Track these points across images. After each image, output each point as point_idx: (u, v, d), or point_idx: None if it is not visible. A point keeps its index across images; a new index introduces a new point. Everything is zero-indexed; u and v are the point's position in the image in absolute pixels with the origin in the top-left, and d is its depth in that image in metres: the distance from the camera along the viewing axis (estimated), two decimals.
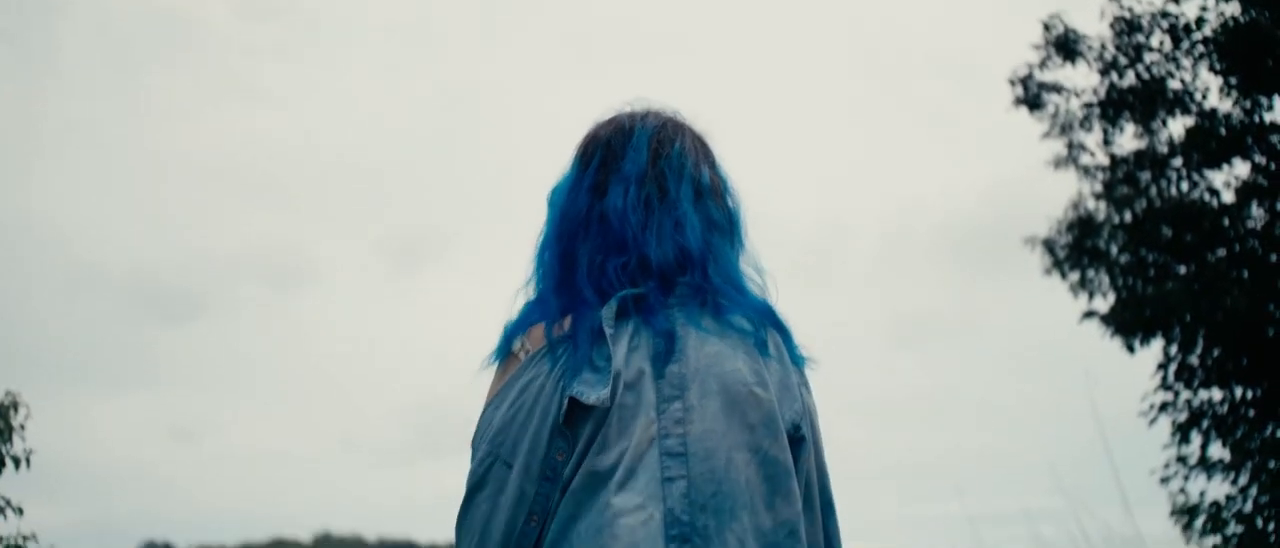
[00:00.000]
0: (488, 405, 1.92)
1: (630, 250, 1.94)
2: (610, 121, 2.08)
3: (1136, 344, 6.27)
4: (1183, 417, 6.26)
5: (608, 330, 1.86)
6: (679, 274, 1.94)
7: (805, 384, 1.97)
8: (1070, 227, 6.51)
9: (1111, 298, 6.33)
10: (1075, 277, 6.39)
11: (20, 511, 6.24)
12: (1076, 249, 6.39)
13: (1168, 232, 6.19)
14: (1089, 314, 6.39)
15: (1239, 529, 6.20)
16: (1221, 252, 6.07)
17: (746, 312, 1.95)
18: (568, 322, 1.90)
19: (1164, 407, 6.32)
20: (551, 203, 2.04)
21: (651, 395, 1.84)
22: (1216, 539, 6.26)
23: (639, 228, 1.95)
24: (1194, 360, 6.20)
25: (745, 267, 2.04)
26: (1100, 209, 6.55)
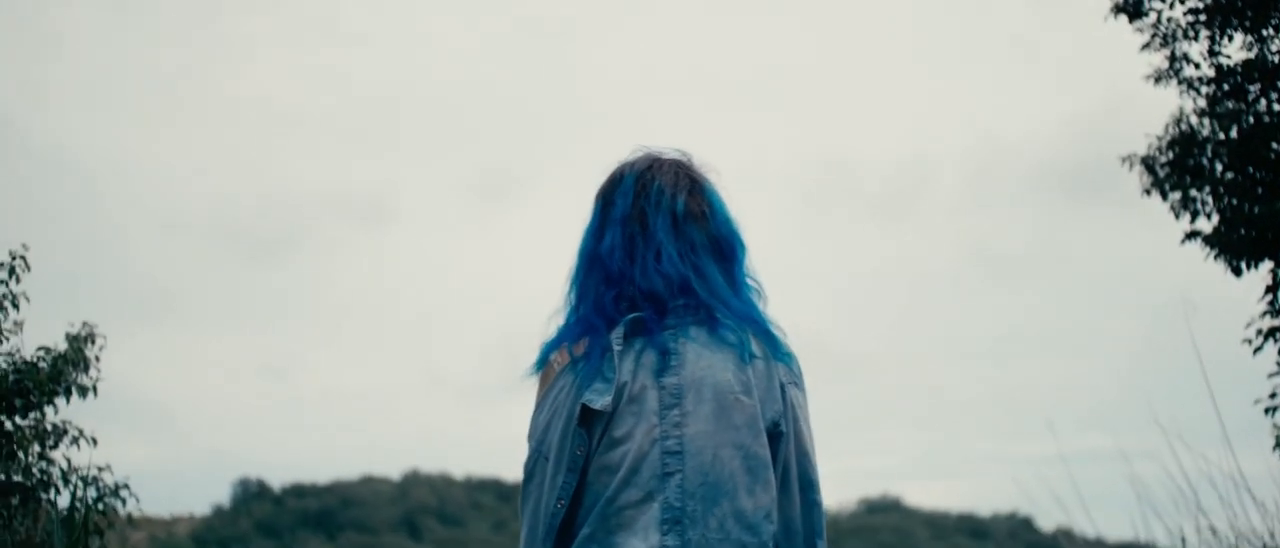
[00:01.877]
0: (535, 409, 2.36)
1: (620, 284, 2.35)
2: (611, 174, 2.49)
3: (1243, 267, 5.98)
4: None
5: (616, 348, 2.28)
6: (669, 298, 2.33)
7: (793, 379, 2.36)
8: (1171, 144, 6.20)
9: (1215, 219, 6.03)
10: (1177, 196, 6.09)
11: (94, 441, 6.20)
12: (1178, 167, 6.08)
13: (1277, 148, 5.88)
14: (1192, 235, 6.10)
15: None
16: None
17: (733, 322, 2.33)
18: (584, 343, 2.32)
19: (1271, 334, 6.03)
20: (578, 247, 2.47)
21: (654, 404, 2.25)
22: None
23: (625, 264, 2.36)
24: None
25: (737, 277, 2.42)
26: (1204, 125, 6.23)
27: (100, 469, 6.20)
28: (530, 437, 2.34)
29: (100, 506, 6.16)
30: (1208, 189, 5.97)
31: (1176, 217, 6.11)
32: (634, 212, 2.40)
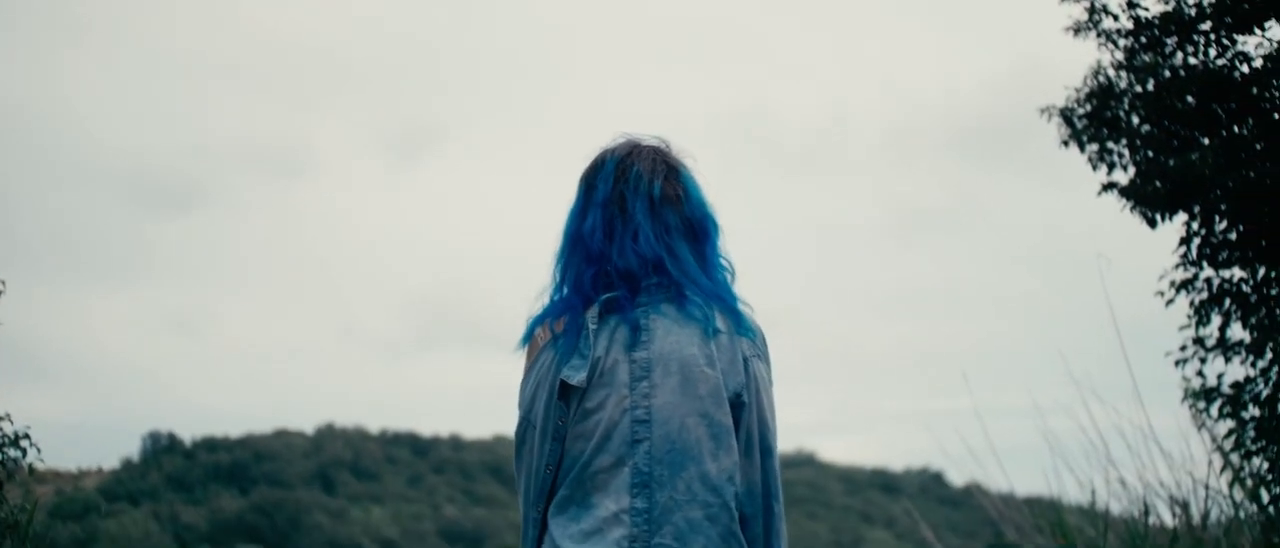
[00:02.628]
0: (522, 380, 2.57)
1: (599, 263, 2.54)
2: (593, 159, 2.66)
3: (1158, 219, 6.01)
4: (1203, 296, 6.02)
5: (591, 327, 2.48)
6: (643, 277, 2.51)
7: (756, 352, 2.54)
8: (1089, 96, 6.20)
9: (1131, 171, 6.05)
10: (1094, 148, 6.11)
11: None
12: (1095, 119, 6.09)
13: (1193, 101, 5.91)
14: (1108, 186, 6.13)
15: (1257, 413, 6.00)
16: (1250, 122, 5.79)
17: (701, 300, 2.51)
18: (563, 321, 2.51)
19: (1183, 286, 6.07)
20: (563, 227, 2.63)
21: (625, 377, 2.45)
22: (1231, 424, 6.06)
23: (604, 245, 2.54)
24: (1216, 237, 5.96)
25: (709, 257, 2.59)
26: (1121, 78, 6.24)
27: (0, 418, 6.01)
28: (519, 405, 2.57)
29: (0, 455, 5.97)
30: (1124, 142, 5.99)
31: (1094, 169, 6.13)
32: (614, 195, 2.57)
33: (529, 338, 2.57)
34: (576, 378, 2.44)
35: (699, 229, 2.59)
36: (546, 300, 2.60)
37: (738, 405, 2.47)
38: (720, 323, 2.51)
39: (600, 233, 2.55)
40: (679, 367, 2.45)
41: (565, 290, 2.57)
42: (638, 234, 2.53)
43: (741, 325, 2.53)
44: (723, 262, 2.61)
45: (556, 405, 2.47)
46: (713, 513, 2.42)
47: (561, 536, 2.46)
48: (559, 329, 2.50)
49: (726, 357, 2.48)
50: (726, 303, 2.55)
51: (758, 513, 2.51)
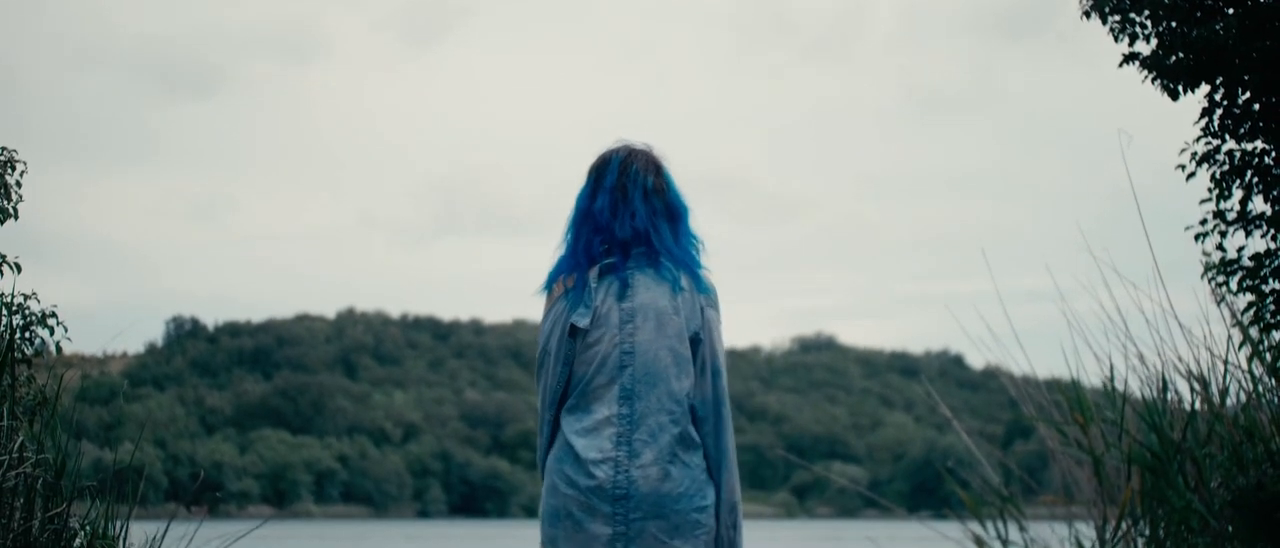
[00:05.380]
0: (542, 319, 3.60)
1: (604, 232, 3.56)
2: (601, 156, 3.66)
3: (1180, 90, 5.96)
4: (1224, 169, 5.99)
5: (592, 283, 3.52)
6: (634, 246, 3.54)
7: (710, 304, 3.57)
8: None
9: (1154, 42, 5.99)
10: (1116, 19, 6.04)
11: (18, 267, 6.04)
12: None
13: None
14: (1130, 57, 6.06)
15: (1277, 286, 5.99)
16: None
17: (672, 265, 3.54)
18: (573, 278, 3.54)
19: (1205, 158, 6.04)
20: (574, 203, 3.63)
21: (616, 320, 3.49)
22: (1250, 298, 6.05)
23: (610, 218, 3.55)
24: (1239, 108, 5.91)
25: (682, 236, 3.61)
26: None
27: (26, 296, 6.04)
28: (540, 338, 3.62)
29: (27, 333, 6.01)
30: (1147, 12, 5.92)
31: (1115, 40, 6.06)
32: (618, 184, 3.58)
33: (550, 286, 3.60)
34: (583, 322, 3.49)
35: (675, 213, 3.62)
36: (561, 254, 3.62)
37: (696, 342, 3.52)
38: (685, 283, 3.54)
39: (608, 211, 3.56)
40: (654, 314, 3.48)
41: (575, 253, 3.57)
42: (635, 215, 3.54)
43: (700, 285, 3.57)
44: (694, 236, 3.63)
45: (567, 341, 3.51)
46: (675, 417, 3.46)
47: (570, 431, 3.48)
48: (571, 284, 3.53)
49: (688, 307, 3.52)
50: (691, 268, 3.57)
51: (709, 415, 3.53)
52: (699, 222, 3.70)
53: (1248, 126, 5.92)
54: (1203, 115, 6.03)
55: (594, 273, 3.53)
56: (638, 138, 3.72)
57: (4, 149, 6.17)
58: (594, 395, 3.48)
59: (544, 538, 3.50)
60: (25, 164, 6.20)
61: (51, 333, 6.08)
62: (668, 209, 3.60)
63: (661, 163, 3.66)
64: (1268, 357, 6.12)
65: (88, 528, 5.49)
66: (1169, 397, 6.46)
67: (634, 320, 3.47)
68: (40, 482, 5.31)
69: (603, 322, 3.49)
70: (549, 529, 3.47)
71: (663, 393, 3.45)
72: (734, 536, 3.54)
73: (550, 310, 3.56)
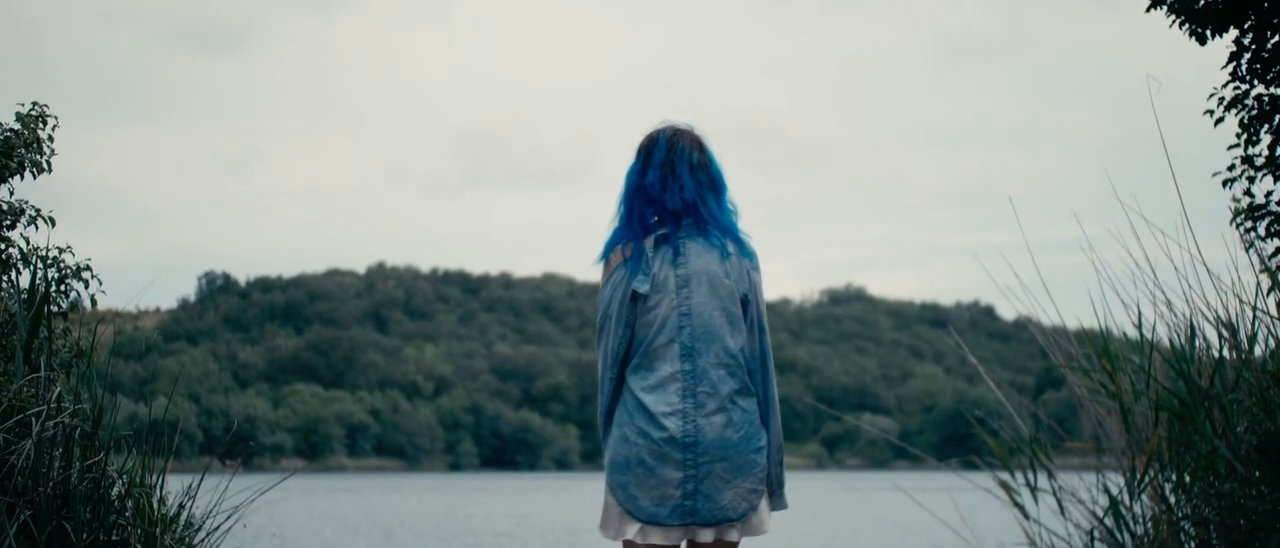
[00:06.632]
0: (602, 286, 3.91)
1: (656, 204, 3.88)
2: (649, 135, 3.98)
3: (1208, 35, 5.93)
4: (1253, 113, 5.96)
5: (649, 252, 3.83)
6: (684, 216, 3.86)
7: (754, 268, 3.92)
8: None
9: None
10: None
11: (52, 221, 6.11)
12: None
13: None
14: (1157, 1, 6.03)
15: None
16: None
17: (719, 233, 3.87)
18: (630, 247, 3.85)
19: (1233, 103, 6.01)
20: (625, 179, 3.95)
21: (672, 285, 3.81)
22: (1278, 243, 6.04)
23: (661, 191, 3.88)
24: (1267, 52, 5.87)
25: (723, 207, 3.93)
26: None
27: (61, 250, 6.10)
28: (599, 302, 3.92)
29: (62, 287, 6.08)
30: None
31: None
32: (667, 160, 3.90)
33: (607, 256, 3.91)
34: (643, 288, 3.80)
35: (718, 185, 3.94)
36: (615, 226, 3.92)
37: (744, 303, 3.86)
38: (731, 248, 3.87)
39: (658, 185, 3.88)
40: (707, 278, 3.81)
41: (631, 224, 3.88)
42: (683, 188, 3.87)
43: (743, 250, 3.90)
44: (731, 206, 3.96)
45: (628, 306, 3.82)
46: (732, 370, 3.81)
47: (637, 388, 3.81)
48: (628, 254, 3.84)
49: (736, 271, 3.85)
50: (735, 235, 3.91)
51: (758, 368, 3.90)
52: (728, 172, 4.04)
53: (1276, 71, 5.88)
54: (1230, 60, 6.00)
55: (650, 242, 3.84)
56: (678, 116, 4.05)
57: (35, 104, 6.23)
58: (656, 355, 3.81)
59: (614, 484, 3.82)
60: (56, 119, 6.26)
61: (86, 287, 6.15)
62: (712, 182, 3.93)
63: (703, 141, 3.99)
64: None
65: (125, 478, 5.56)
66: (1197, 344, 6.46)
67: (689, 285, 3.81)
68: (78, 432, 5.38)
69: (661, 287, 3.81)
70: (620, 476, 3.80)
71: (719, 349, 3.79)
72: (781, 473, 3.98)
73: (610, 278, 3.88)
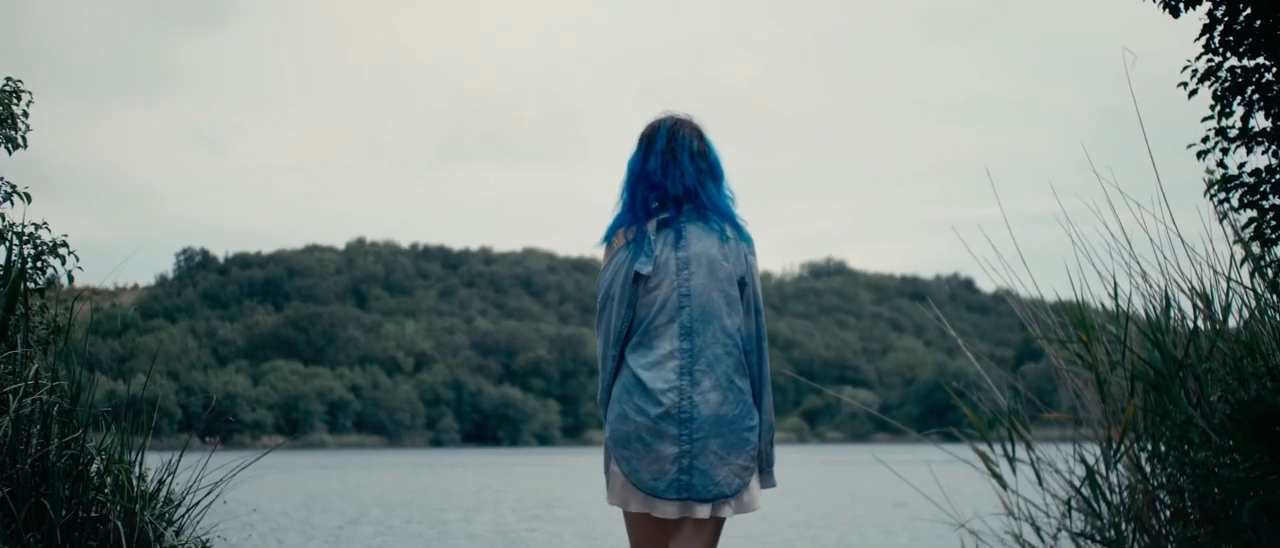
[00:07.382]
0: (604, 268, 4.02)
1: (658, 190, 4.00)
2: (651, 124, 4.11)
3: (1181, 7, 5.95)
4: (1225, 85, 5.99)
5: (651, 235, 3.95)
6: (685, 201, 3.99)
7: (751, 251, 4.05)
8: None
9: None
10: None
11: (28, 197, 6.09)
12: None
13: None
14: None
15: (1277, 201, 6.01)
16: None
17: (717, 218, 4.01)
18: (633, 230, 3.96)
19: (1206, 75, 6.04)
20: (627, 166, 4.07)
21: (673, 267, 3.92)
22: (1252, 214, 6.07)
23: (662, 177, 4.00)
24: (1240, 24, 5.90)
25: (722, 193, 4.07)
26: None
27: (37, 226, 6.08)
28: (600, 284, 4.04)
29: (39, 263, 6.06)
30: None
31: None
32: (668, 147, 4.04)
33: (609, 238, 4.03)
34: (645, 269, 3.92)
35: (716, 173, 4.07)
36: (618, 211, 4.04)
37: (742, 285, 3.99)
38: (729, 233, 4.00)
39: (660, 171, 4.00)
40: (706, 261, 3.93)
41: (633, 208, 3.99)
42: (684, 174, 3.99)
43: (741, 234, 4.04)
44: (729, 193, 4.09)
45: (630, 286, 3.93)
46: (729, 349, 3.93)
47: (636, 366, 3.91)
48: (631, 237, 3.96)
49: (734, 255, 3.98)
50: (733, 220, 4.04)
51: (753, 349, 4.01)
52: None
53: (1249, 43, 5.91)
54: (1203, 32, 6.02)
55: (652, 226, 3.98)
56: (682, 107, 4.19)
57: (10, 79, 6.20)
58: (656, 334, 3.92)
59: (616, 458, 3.94)
60: (31, 94, 6.23)
61: (62, 263, 6.12)
62: (711, 169, 4.07)
63: (703, 130, 4.13)
64: (1269, 272, 6.15)
65: (104, 455, 5.56)
66: (1172, 314, 6.49)
67: (689, 267, 3.93)
68: (56, 409, 5.37)
69: (662, 269, 3.93)
70: (620, 450, 3.92)
71: (717, 329, 3.92)
72: (771, 452, 4.07)
73: (612, 259, 4.00)
